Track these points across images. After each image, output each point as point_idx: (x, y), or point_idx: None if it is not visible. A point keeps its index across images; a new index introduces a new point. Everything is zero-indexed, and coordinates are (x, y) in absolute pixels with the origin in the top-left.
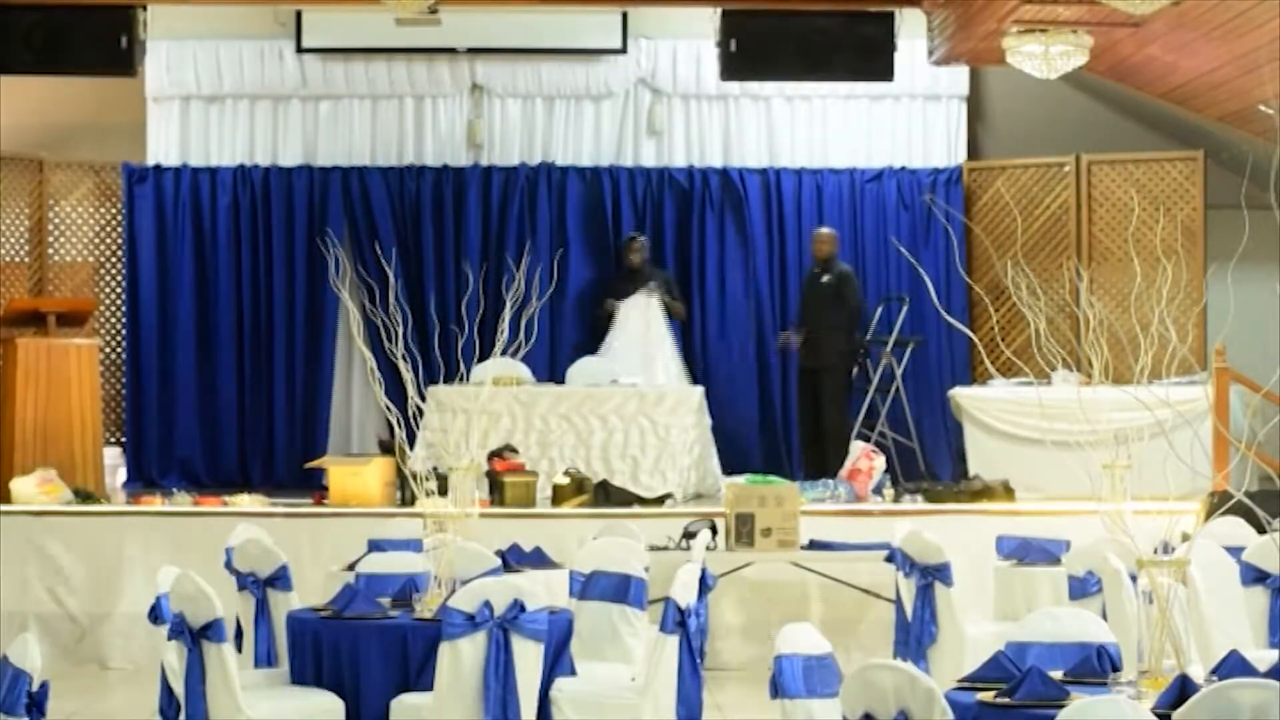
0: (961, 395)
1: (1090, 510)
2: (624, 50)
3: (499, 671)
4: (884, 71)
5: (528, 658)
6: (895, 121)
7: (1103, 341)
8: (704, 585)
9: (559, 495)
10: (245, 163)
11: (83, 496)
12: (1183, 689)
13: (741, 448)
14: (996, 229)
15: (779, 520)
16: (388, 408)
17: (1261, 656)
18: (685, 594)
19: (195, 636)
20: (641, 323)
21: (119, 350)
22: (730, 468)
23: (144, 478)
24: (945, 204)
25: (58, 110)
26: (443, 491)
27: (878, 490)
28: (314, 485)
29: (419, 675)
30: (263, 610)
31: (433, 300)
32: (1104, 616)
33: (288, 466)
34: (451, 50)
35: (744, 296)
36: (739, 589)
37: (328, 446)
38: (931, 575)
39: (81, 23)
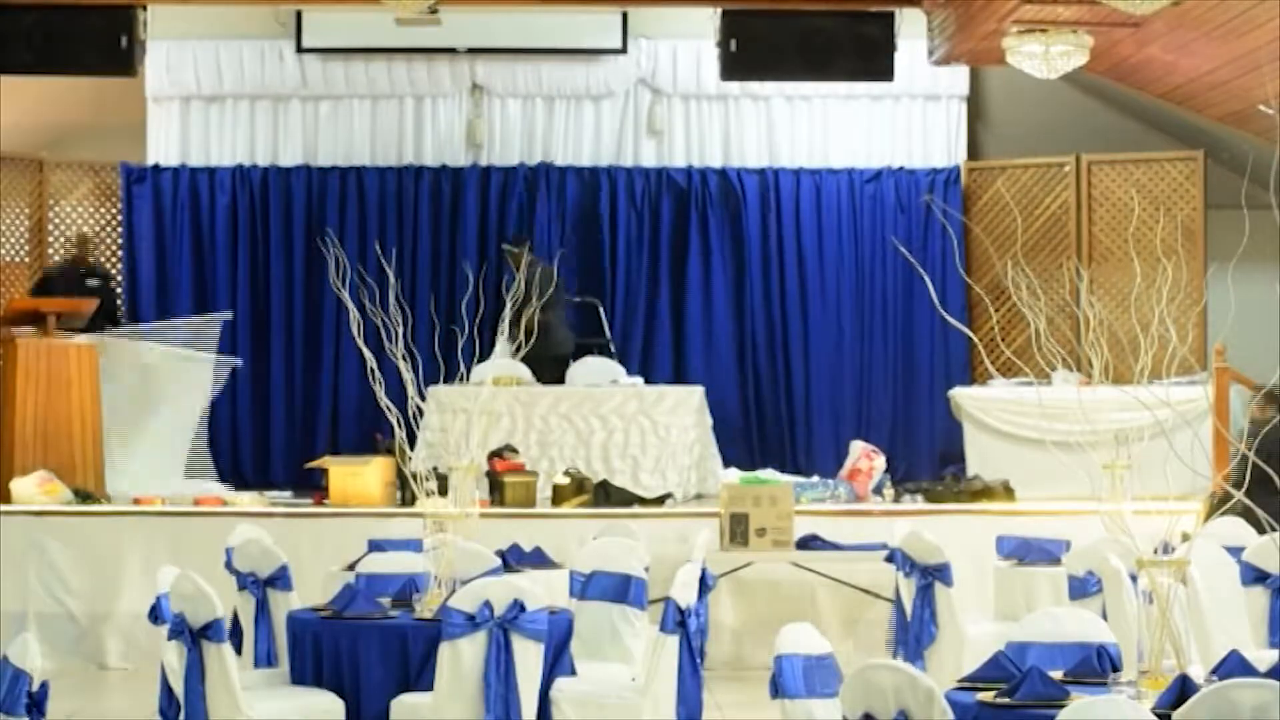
0: (961, 395)
1: (1090, 510)
2: (624, 50)
3: (499, 671)
4: (884, 71)
5: (528, 658)
6: (895, 121)
7: (1103, 341)
8: (704, 585)
9: (559, 495)
10: (245, 163)
11: (83, 496)
12: (1183, 689)
13: (738, 446)
14: (996, 229)
15: (773, 520)
16: (388, 408)
17: (1261, 656)
18: (685, 594)
19: (195, 636)
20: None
21: None
22: (727, 464)
23: None
24: (944, 203)
25: (58, 110)
26: (443, 491)
27: (878, 490)
28: (313, 485)
29: (419, 675)
30: (263, 610)
31: (432, 300)
32: (1104, 616)
33: (286, 466)
34: (451, 50)
35: (742, 296)
36: (739, 589)
37: (326, 446)
38: (931, 575)
39: (81, 23)
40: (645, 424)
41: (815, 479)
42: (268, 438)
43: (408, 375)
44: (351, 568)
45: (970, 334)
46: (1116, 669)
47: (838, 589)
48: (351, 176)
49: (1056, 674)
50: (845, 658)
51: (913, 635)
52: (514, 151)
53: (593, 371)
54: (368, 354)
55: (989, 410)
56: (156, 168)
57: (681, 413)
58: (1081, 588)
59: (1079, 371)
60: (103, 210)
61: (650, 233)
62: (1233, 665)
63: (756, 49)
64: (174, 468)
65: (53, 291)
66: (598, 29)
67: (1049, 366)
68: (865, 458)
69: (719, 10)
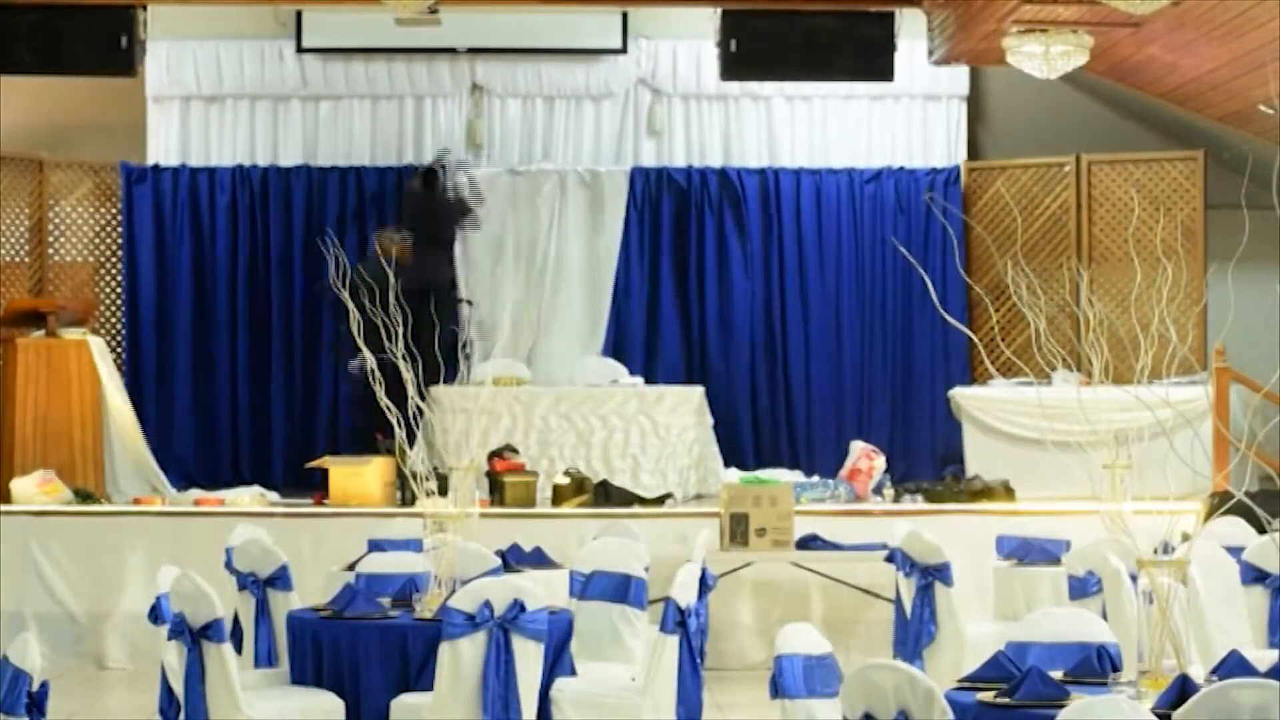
0: (961, 395)
1: (1090, 510)
2: (624, 50)
3: (499, 671)
4: (884, 71)
5: (528, 658)
6: (895, 121)
7: (1103, 341)
8: (704, 585)
9: (559, 495)
10: (245, 163)
11: (83, 496)
12: (1183, 689)
13: (739, 445)
14: (996, 229)
15: (773, 520)
16: (388, 408)
17: (1261, 656)
18: (685, 594)
19: (195, 636)
20: None
21: (118, 350)
22: (728, 464)
23: None
24: (944, 202)
25: (58, 110)
26: (443, 491)
27: (878, 490)
28: (313, 485)
29: (419, 675)
30: (263, 610)
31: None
32: (1104, 616)
33: (285, 467)
34: (451, 50)
35: (742, 296)
36: (739, 589)
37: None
38: (931, 575)
39: (81, 23)
40: (645, 424)
41: (815, 479)
42: (267, 438)
43: (408, 375)
44: (351, 568)
45: (970, 334)
46: (1116, 669)
47: (838, 589)
48: (351, 176)
49: (1056, 674)
50: (845, 657)
51: (913, 635)
52: (514, 152)
53: (593, 371)
54: (368, 354)
55: (989, 410)
56: (156, 168)
57: (681, 413)
58: (1081, 588)
59: (1079, 371)
60: (103, 210)
61: (650, 233)
62: (1233, 665)
63: (756, 49)
64: None
65: None
66: (598, 29)
67: (1049, 366)
68: (865, 458)
69: (719, 10)
